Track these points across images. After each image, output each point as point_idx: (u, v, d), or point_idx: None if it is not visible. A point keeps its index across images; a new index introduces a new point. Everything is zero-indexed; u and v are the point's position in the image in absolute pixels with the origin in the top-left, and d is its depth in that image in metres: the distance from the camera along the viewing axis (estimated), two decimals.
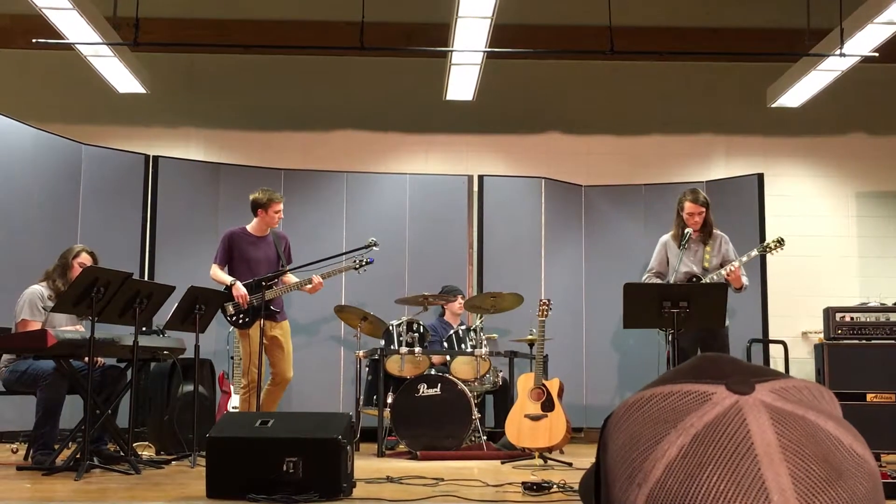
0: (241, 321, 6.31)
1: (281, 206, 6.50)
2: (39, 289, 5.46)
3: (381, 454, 6.31)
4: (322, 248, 7.29)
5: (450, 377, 6.36)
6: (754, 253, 6.05)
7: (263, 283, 6.22)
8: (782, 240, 5.99)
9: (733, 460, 0.55)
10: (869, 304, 7.37)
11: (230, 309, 6.28)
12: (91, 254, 5.62)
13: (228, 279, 6.30)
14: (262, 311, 6.18)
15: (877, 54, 7.01)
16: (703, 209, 6.15)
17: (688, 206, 6.15)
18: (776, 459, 0.54)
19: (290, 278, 6.54)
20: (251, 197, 6.50)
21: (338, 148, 8.68)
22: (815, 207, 8.80)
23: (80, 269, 5.42)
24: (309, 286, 6.46)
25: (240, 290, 6.22)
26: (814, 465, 0.55)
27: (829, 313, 6.70)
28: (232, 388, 7.11)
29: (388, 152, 8.74)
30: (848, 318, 6.60)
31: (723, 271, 5.97)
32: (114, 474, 4.75)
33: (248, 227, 6.52)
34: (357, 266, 6.59)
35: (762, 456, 0.54)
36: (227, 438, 3.86)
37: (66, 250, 5.65)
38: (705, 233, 6.16)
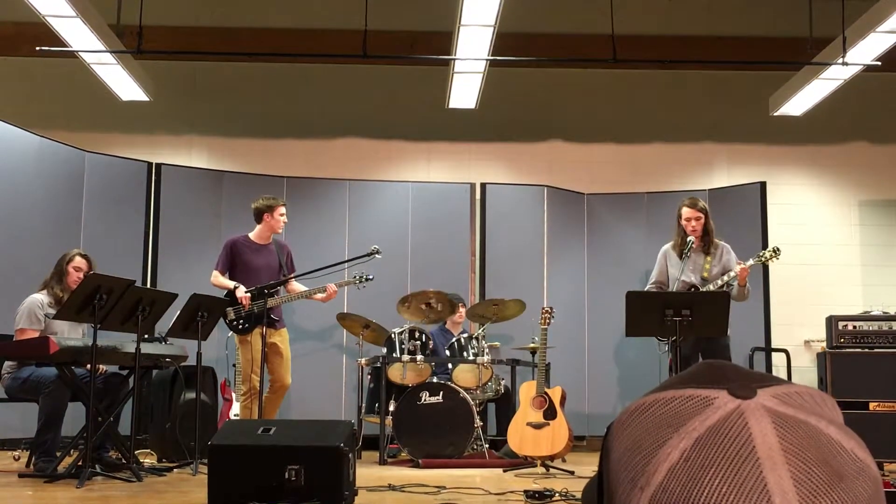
0: (240, 326, 6.33)
1: (284, 210, 6.58)
2: (39, 297, 5.46)
3: (382, 462, 6.30)
4: (324, 256, 7.29)
5: (452, 385, 6.36)
6: (750, 262, 6.00)
7: (266, 291, 6.24)
8: (778, 249, 5.94)
9: (735, 463, 0.55)
10: (872, 313, 7.36)
11: (231, 314, 6.30)
12: (85, 257, 5.63)
13: (231, 283, 6.33)
14: (265, 319, 6.20)
15: (879, 63, 7.01)
16: (701, 215, 6.09)
17: (685, 211, 6.11)
18: (778, 462, 0.54)
19: (296, 287, 6.58)
20: (253, 206, 6.56)
21: (340, 156, 8.69)
22: (817, 216, 8.80)
23: (76, 273, 5.45)
24: (322, 295, 6.50)
25: (242, 293, 6.25)
26: (815, 468, 0.55)
27: (831, 322, 6.69)
28: (234, 395, 7.11)
29: (390, 160, 8.75)
30: (851, 327, 6.59)
31: (732, 273, 5.93)
32: (116, 482, 4.74)
33: (251, 235, 6.55)
34: (357, 281, 6.65)
35: (764, 459, 0.55)
36: (228, 446, 3.86)
37: (60, 257, 5.66)
38: (706, 241, 6.11)
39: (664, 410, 0.60)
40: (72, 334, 5.42)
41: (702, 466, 0.55)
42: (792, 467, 0.55)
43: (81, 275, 5.38)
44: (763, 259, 5.98)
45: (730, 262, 6.07)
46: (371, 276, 6.68)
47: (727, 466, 0.55)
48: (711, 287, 5.90)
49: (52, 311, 5.28)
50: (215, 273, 6.46)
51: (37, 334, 5.23)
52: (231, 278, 6.42)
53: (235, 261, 6.46)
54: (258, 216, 6.52)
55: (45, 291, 5.51)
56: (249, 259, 6.46)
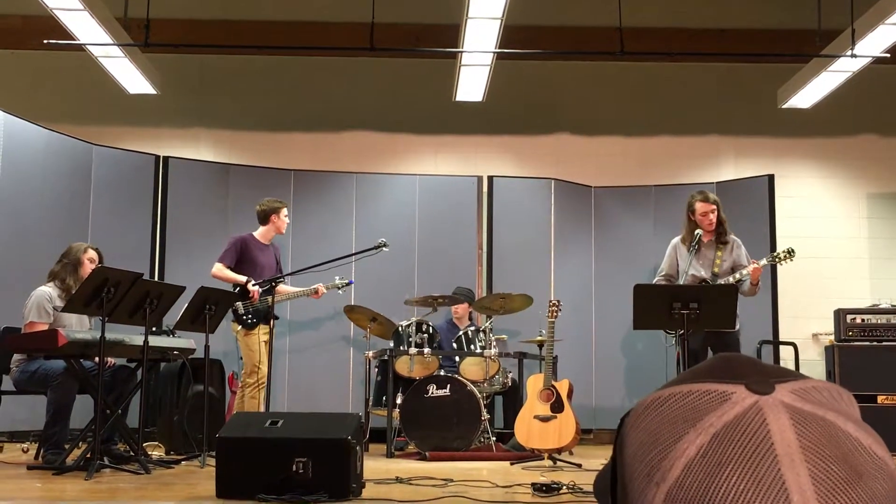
0: (249, 321, 6.41)
1: (287, 211, 6.85)
2: (47, 290, 5.46)
3: (390, 455, 6.31)
4: (331, 249, 7.33)
5: (459, 378, 6.36)
6: (764, 262, 5.96)
7: (274, 284, 6.42)
8: (792, 250, 5.87)
9: (753, 461, 0.54)
10: (880, 306, 7.35)
11: (240, 308, 6.38)
12: (97, 250, 5.65)
13: (242, 278, 6.46)
14: (273, 314, 6.34)
15: (888, 55, 6.98)
16: (715, 207, 6.09)
17: (699, 206, 6.09)
18: (796, 460, 0.54)
19: (285, 288, 6.87)
20: (261, 208, 6.75)
21: (347, 149, 8.68)
22: (825, 209, 8.77)
23: (91, 265, 5.45)
24: (315, 295, 6.82)
25: (254, 287, 6.36)
26: (834, 465, 0.54)
27: (839, 315, 6.68)
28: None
29: (397, 153, 8.74)
30: (859, 320, 6.58)
31: (744, 271, 5.90)
32: (124, 474, 4.76)
33: (256, 234, 6.72)
34: (339, 286, 6.89)
35: (782, 456, 0.54)
36: (236, 438, 3.86)
37: (70, 248, 5.64)
38: (719, 234, 6.08)
39: (681, 405, 0.60)
40: (80, 327, 5.44)
41: (719, 463, 0.55)
42: (810, 465, 0.54)
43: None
44: (777, 260, 5.94)
45: (741, 257, 6.03)
46: (351, 281, 7.03)
47: (745, 463, 0.54)
48: (722, 283, 5.87)
49: (61, 304, 5.28)
50: (220, 266, 6.54)
51: (45, 327, 5.25)
52: (236, 273, 6.53)
53: (244, 257, 6.59)
54: (265, 217, 6.70)
55: (52, 283, 5.51)
56: (256, 256, 6.63)
